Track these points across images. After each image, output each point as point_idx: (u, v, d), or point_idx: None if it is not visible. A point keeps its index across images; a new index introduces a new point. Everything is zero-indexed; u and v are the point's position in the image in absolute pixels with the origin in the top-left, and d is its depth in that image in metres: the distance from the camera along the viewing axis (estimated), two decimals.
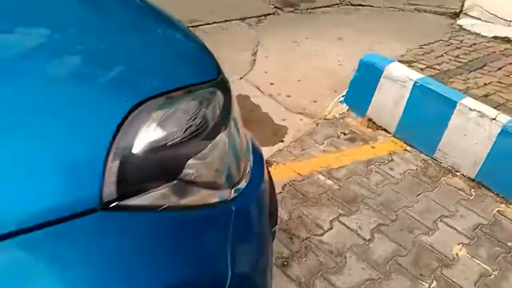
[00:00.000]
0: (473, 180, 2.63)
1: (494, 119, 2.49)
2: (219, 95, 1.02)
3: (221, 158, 0.92)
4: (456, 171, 2.70)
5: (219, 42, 3.93)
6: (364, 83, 3.07)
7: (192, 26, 4.10)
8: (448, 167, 2.73)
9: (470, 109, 2.56)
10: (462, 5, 4.48)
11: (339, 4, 5.16)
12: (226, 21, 4.34)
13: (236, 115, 1.20)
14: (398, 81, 2.87)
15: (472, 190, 2.57)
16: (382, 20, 4.80)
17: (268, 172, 1.36)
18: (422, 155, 2.84)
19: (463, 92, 3.09)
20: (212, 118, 0.96)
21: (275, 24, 4.43)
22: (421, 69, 3.46)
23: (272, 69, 3.63)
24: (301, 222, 2.26)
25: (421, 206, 2.43)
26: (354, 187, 2.53)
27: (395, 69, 2.91)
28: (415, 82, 2.81)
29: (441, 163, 2.76)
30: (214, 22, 4.27)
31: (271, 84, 3.45)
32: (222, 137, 0.97)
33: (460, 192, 2.56)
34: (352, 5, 5.19)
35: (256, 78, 3.50)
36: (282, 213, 2.29)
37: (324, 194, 2.46)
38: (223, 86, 1.13)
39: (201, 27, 4.14)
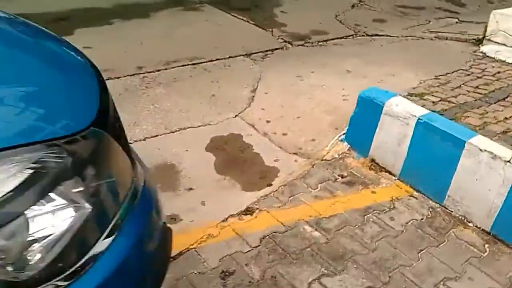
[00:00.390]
0: (488, 233, 2.23)
1: (509, 161, 2.11)
2: (63, 157, 0.79)
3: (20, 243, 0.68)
4: (469, 222, 2.31)
5: (218, 79, 3.75)
6: (364, 120, 2.77)
7: (192, 64, 3.96)
8: (459, 217, 2.34)
9: (481, 149, 2.20)
10: (485, 31, 4.10)
11: (354, 35, 4.90)
12: (230, 57, 4.17)
13: (114, 172, 0.95)
14: (400, 118, 2.55)
15: (486, 245, 2.17)
16: (398, 50, 4.48)
17: (165, 234, 1.09)
18: (430, 202, 2.47)
19: (479, 128, 2.72)
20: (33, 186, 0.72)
21: (281, 59, 4.22)
22: (433, 102, 3.11)
23: (270, 106, 3.39)
24: (274, 283, 1.94)
25: (421, 265, 2.05)
26: (345, 241, 2.19)
27: (396, 104, 2.60)
28: (419, 118, 2.47)
29: (451, 212, 2.38)
30: (217, 59, 4.11)
31: (267, 121, 3.20)
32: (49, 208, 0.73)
33: (471, 247, 2.16)
34: (367, 35, 4.91)
35: (252, 115, 3.27)
36: (254, 272, 1.99)
37: (308, 249, 2.14)
38: (91, 138, 0.90)
39: (202, 64, 3.99)
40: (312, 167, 2.76)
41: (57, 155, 0.77)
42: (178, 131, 3.02)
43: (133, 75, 3.70)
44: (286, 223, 2.30)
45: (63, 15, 4.73)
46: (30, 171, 0.73)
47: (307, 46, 4.60)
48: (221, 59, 4.13)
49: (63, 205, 0.79)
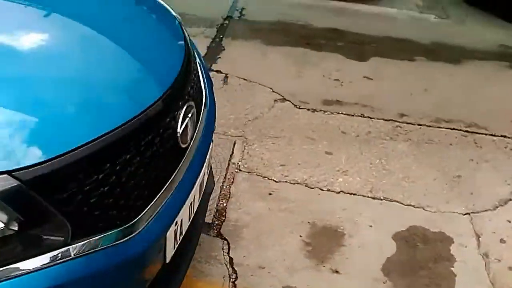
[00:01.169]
0: None
1: None
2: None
3: None
4: None
5: (482, 160, 2.94)
6: None
7: (465, 131, 3.23)
8: None
9: None
10: None
11: None
12: None
13: None
14: None
15: None
16: None
17: None
18: None
19: None
20: None
21: None
22: None
23: None
24: None
25: None
26: None
27: None
28: None
29: None
30: (503, 136, 3.21)
31: (502, 241, 2.31)
32: None
33: None
34: None
35: (488, 223, 2.42)
36: None
37: None
38: None
39: (476, 135, 3.19)
40: None
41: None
42: (381, 200, 2.56)
43: (389, 120, 3.33)
44: None
45: (374, 39, 4.65)
46: None
47: None
48: (508, 137, 3.21)
49: None
